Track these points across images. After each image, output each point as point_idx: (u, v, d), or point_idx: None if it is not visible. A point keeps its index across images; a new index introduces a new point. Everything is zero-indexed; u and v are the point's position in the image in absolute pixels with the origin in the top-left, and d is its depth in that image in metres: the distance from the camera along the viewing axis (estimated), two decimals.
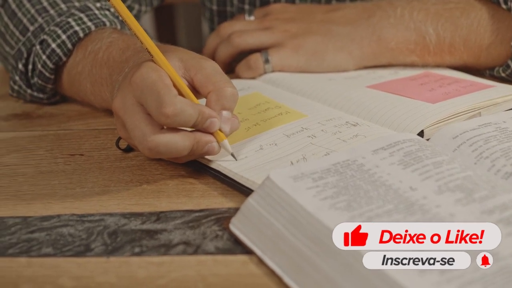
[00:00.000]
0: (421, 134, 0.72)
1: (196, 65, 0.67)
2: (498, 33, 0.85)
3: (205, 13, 1.07)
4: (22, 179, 0.71)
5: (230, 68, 0.95)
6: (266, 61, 0.90)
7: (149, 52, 0.67)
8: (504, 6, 0.84)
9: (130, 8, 1.02)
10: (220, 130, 0.66)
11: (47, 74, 0.87)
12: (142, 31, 0.67)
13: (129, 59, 0.75)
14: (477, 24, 0.86)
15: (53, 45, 0.85)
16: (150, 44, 0.67)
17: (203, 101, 0.68)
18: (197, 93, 0.68)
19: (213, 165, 0.68)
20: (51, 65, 0.86)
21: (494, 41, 0.85)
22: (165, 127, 0.64)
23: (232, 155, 0.67)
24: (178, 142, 0.64)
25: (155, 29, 2.26)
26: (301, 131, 0.73)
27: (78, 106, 0.89)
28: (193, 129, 0.66)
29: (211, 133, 0.66)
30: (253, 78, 0.91)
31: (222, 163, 0.67)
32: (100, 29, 0.85)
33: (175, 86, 0.65)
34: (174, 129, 0.64)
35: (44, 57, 0.86)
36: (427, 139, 0.71)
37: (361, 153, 0.64)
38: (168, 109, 0.62)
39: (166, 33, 2.24)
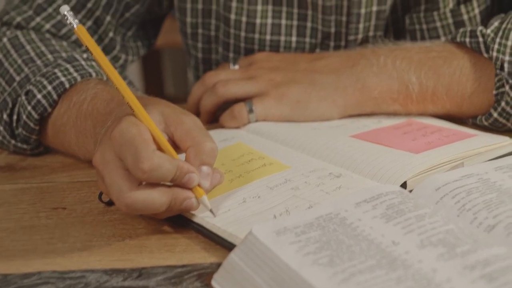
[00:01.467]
0: (404, 185, 0.72)
1: (176, 119, 0.67)
2: (480, 82, 0.86)
3: (190, 61, 1.08)
4: (4, 234, 0.70)
5: (215, 117, 0.95)
6: (250, 110, 0.90)
7: (130, 106, 0.67)
8: (485, 55, 0.85)
9: (116, 58, 1.02)
10: (199, 185, 0.66)
11: (32, 125, 0.86)
12: (123, 84, 0.68)
13: (113, 111, 0.75)
14: (459, 73, 0.86)
15: (39, 96, 0.85)
16: (131, 97, 0.67)
17: (185, 156, 0.68)
18: (177, 148, 0.68)
19: (196, 219, 0.68)
20: (36, 116, 0.86)
21: (476, 90, 0.86)
22: (143, 183, 0.64)
23: (211, 211, 0.67)
24: (156, 199, 0.64)
25: (142, 75, 2.27)
26: (284, 183, 0.73)
27: (61, 157, 0.89)
28: (173, 184, 0.66)
29: (191, 189, 0.66)
30: (238, 127, 0.91)
31: (205, 217, 0.67)
32: (85, 80, 0.85)
33: (155, 141, 0.65)
34: (152, 185, 0.64)
35: (29, 107, 0.86)
36: (410, 190, 0.71)
37: (344, 206, 0.64)
38: (145, 164, 0.62)
39: (153, 79, 2.25)
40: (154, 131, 0.66)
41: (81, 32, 0.70)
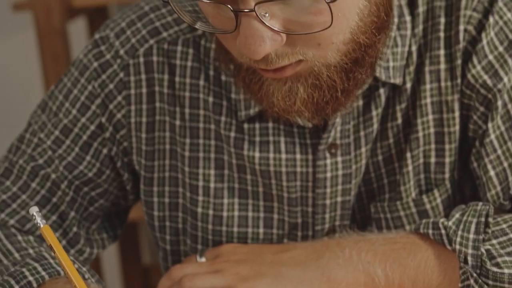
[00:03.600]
0: None
1: None
2: (446, 274, 0.86)
3: (158, 253, 1.08)
4: None
5: None
6: None
7: None
8: (449, 247, 0.86)
9: (81, 251, 1.02)
10: None
11: None
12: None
13: None
14: (424, 265, 0.87)
15: None
16: None
17: None
18: None
19: None
20: None
21: (442, 283, 0.86)
22: None
23: None
24: None
25: (118, 246, 2.27)
26: None
27: None
28: None
29: None
30: None
31: None
32: (54, 279, 0.85)
33: None
34: None
35: None
36: None
37: None
38: None
39: (129, 249, 2.25)
40: None
41: (47, 232, 0.71)
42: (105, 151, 1.00)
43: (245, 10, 0.77)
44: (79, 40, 2.12)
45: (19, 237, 0.96)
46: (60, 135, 1.00)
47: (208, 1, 0.79)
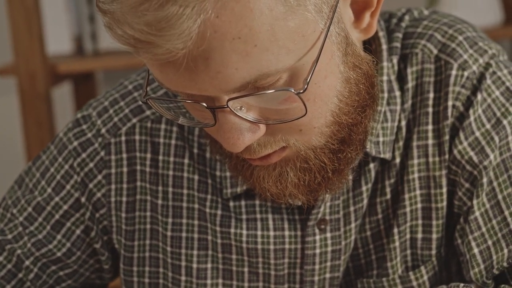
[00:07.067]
0: None
1: None
2: None
3: None
4: None
5: None
6: None
7: None
8: None
9: None
10: None
11: None
12: None
13: None
14: None
15: None
16: None
17: None
18: None
19: None
20: None
21: None
22: None
23: None
24: None
25: None
26: None
27: None
28: None
29: None
30: None
31: None
32: None
33: None
34: None
35: None
36: None
37: None
38: None
39: None
40: None
41: None
42: (78, 231, 0.99)
43: (220, 107, 0.77)
44: (64, 106, 2.12)
45: None
46: (32, 212, 0.99)
47: (184, 100, 0.79)
